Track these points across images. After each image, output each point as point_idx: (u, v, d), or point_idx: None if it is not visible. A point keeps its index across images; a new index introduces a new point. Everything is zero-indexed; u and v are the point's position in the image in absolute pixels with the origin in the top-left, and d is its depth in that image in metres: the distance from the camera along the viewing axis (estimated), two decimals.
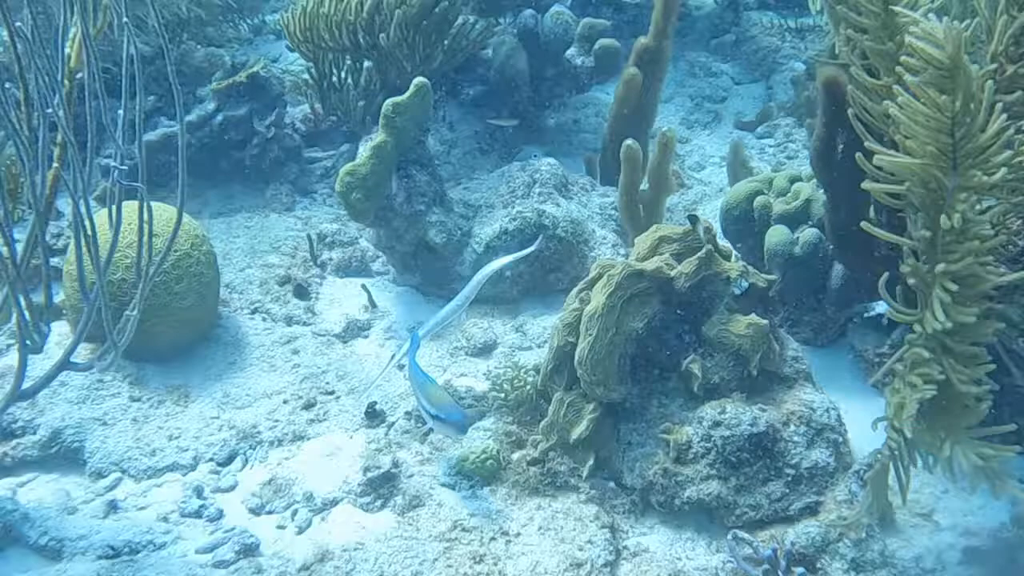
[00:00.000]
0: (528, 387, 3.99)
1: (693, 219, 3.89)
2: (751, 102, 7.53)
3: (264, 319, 4.93)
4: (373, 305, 4.99)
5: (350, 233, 5.58)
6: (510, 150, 6.44)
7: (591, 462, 3.75)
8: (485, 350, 4.72)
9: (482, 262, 4.77)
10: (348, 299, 5.10)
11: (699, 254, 3.75)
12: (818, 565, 3.34)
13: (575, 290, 3.90)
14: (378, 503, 3.75)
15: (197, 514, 3.76)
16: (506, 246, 4.89)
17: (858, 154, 3.10)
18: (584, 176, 5.67)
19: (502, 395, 4.04)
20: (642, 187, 4.82)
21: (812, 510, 3.54)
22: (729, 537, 3.44)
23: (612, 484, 3.77)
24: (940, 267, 2.88)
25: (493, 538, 3.53)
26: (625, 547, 3.56)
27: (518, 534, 3.56)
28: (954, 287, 2.89)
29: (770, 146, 6.79)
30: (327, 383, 4.48)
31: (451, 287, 4.95)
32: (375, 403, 4.22)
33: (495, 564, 3.41)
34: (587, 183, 5.50)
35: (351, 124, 5.93)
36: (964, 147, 2.83)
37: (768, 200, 4.44)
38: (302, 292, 5.05)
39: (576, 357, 3.70)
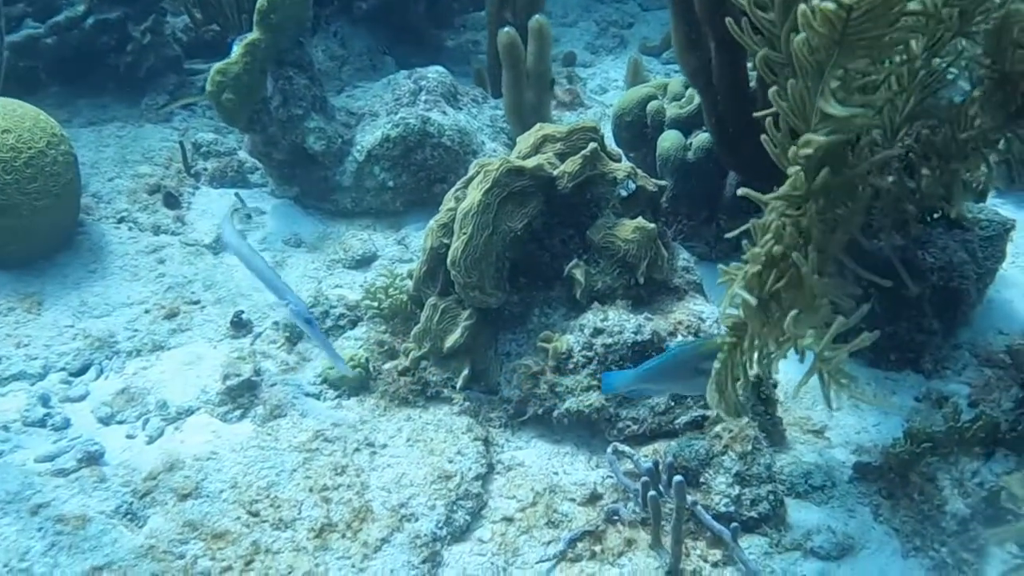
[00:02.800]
0: (403, 295, 3.79)
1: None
2: (658, 28, 7.39)
3: (130, 228, 4.66)
4: (248, 216, 4.74)
5: (228, 143, 5.32)
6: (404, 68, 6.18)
7: (466, 372, 3.57)
8: (364, 262, 4.52)
9: (363, 171, 4.58)
10: (222, 210, 4.84)
11: (583, 152, 3.56)
12: (702, 479, 3.19)
13: (452, 189, 3.69)
14: (237, 413, 3.55)
15: (41, 423, 3.51)
16: (388, 154, 4.67)
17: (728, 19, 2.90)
18: (476, 88, 5.46)
19: (375, 303, 3.85)
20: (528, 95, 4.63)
21: (698, 424, 3.37)
22: (609, 451, 3.28)
23: (489, 396, 3.60)
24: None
25: (357, 449, 3.34)
26: (499, 461, 3.39)
27: (384, 445, 3.37)
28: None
29: (675, 71, 6.62)
30: (193, 293, 4.25)
31: (332, 199, 4.74)
32: (242, 312, 3.99)
33: (357, 476, 3.22)
34: (478, 95, 5.29)
35: (230, 31, 5.65)
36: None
37: (661, 105, 4.27)
38: (172, 201, 4.78)
39: (449, 258, 3.48)
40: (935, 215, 3.96)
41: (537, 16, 4.62)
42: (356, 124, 4.84)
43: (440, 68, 5.12)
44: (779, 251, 2.85)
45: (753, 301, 2.65)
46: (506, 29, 4.64)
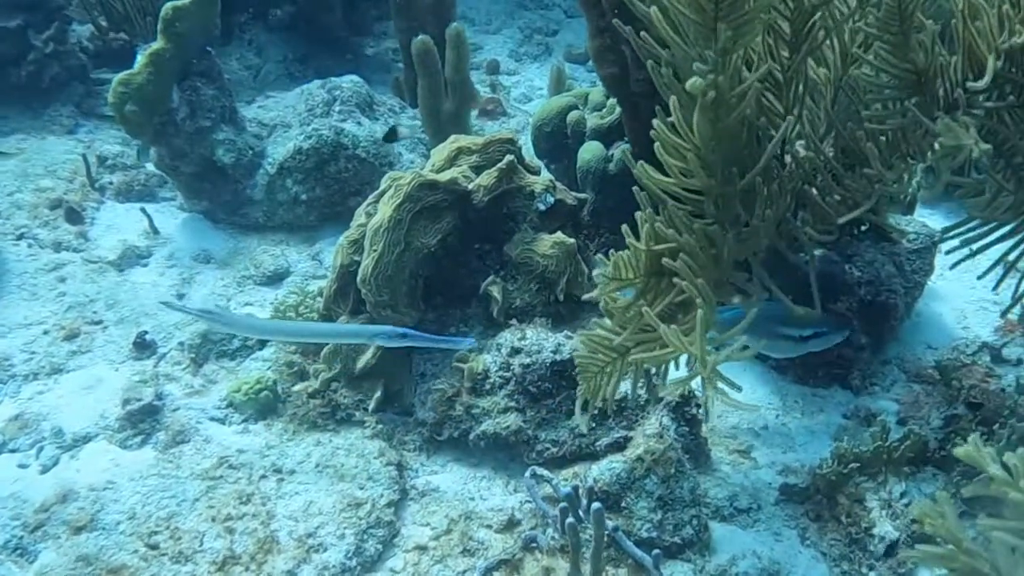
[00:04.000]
0: (315, 314, 3.72)
1: (392, 131, 3.68)
2: (584, 35, 7.34)
3: (30, 245, 4.54)
4: (155, 231, 4.64)
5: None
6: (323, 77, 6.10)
7: (379, 394, 3.50)
8: (276, 279, 4.45)
9: (275, 184, 4.50)
10: (128, 225, 4.73)
11: (499, 165, 3.51)
12: (623, 504, 3.14)
13: (364, 204, 3.63)
14: (137, 439, 3.46)
15: None
16: (301, 166, 4.59)
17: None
18: (394, 98, 5.40)
19: None
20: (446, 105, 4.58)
21: (620, 446, 3.32)
22: (527, 475, 3.22)
23: (403, 418, 3.53)
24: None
25: (264, 476, 3.26)
26: (413, 486, 3.32)
27: (292, 472, 3.29)
28: None
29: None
30: (95, 312, 4.14)
31: (243, 213, 4.66)
32: (145, 333, 3.89)
33: (263, 504, 3.14)
34: (396, 105, 5.23)
35: (138, 38, 5.54)
36: None
37: (582, 115, 4.23)
38: (74, 216, 4.66)
39: (359, 276, 3.41)
40: (863, 228, 3.95)
41: (454, 24, 4.57)
42: (268, 136, 4.76)
43: (355, 77, 5.05)
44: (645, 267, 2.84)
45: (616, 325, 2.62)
46: (421, 37, 4.59)
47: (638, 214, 2.84)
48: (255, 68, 5.95)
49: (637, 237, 2.81)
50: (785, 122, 2.80)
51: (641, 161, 2.81)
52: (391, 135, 3.71)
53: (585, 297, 3.06)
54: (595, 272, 2.96)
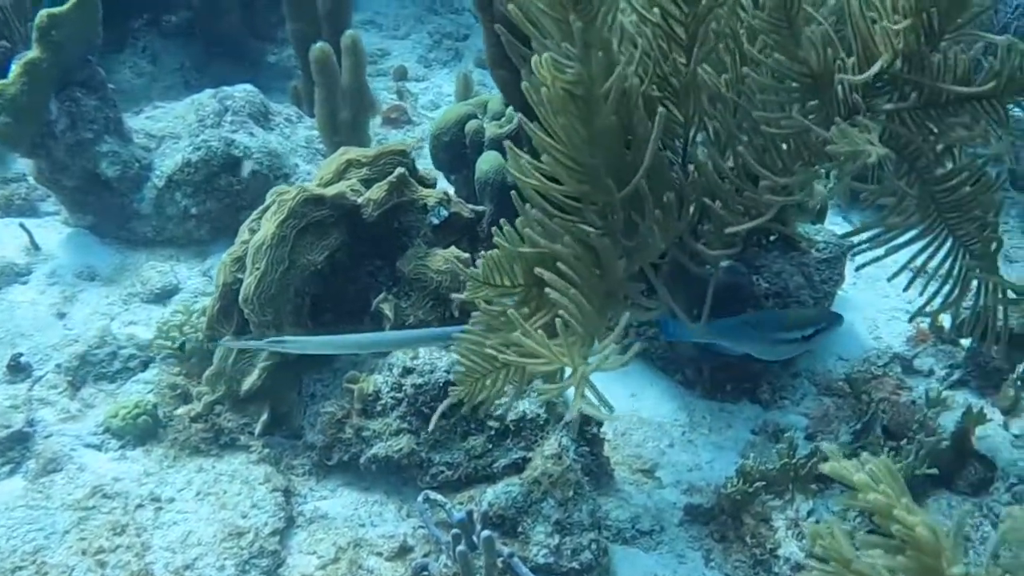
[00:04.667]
0: (200, 333, 3.64)
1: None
2: None
3: None
4: (35, 247, 4.52)
5: (16, 169, 5.07)
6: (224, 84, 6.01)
7: (265, 417, 3.43)
8: (164, 296, 4.35)
9: (164, 198, 4.42)
10: (6, 241, 4.60)
11: (390, 178, 3.46)
12: (519, 528, 3.10)
13: (248, 220, 3.56)
14: (5, 468, 3.35)
15: None
16: (190, 179, 4.51)
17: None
18: (291, 107, 5.32)
19: (169, 342, 3.68)
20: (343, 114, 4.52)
21: (518, 467, 3.28)
22: (420, 499, 3.17)
23: (292, 442, 3.47)
24: None
25: (140, 505, 3.17)
26: (301, 513, 3.26)
27: (171, 500, 3.21)
28: None
29: None
30: None
31: (130, 227, 4.56)
32: (20, 355, 3.79)
33: (139, 535, 3.05)
34: (293, 114, 5.15)
35: (17, 46, 5.40)
36: None
37: (480, 124, 4.18)
38: None
39: (241, 295, 3.34)
40: (771, 238, 3.95)
41: (349, 31, 4.51)
42: (157, 147, 4.66)
43: (248, 86, 4.96)
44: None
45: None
46: (319, 44, 4.53)
47: (518, 219, 2.82)
48: (149, 75, 5.84)
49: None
50: (656, 123, 2.75)
51: (523, 160, 2.77)
52: (241, 168, 3.67)
53: (453, 296, 3.03)
54: (468, 272, 2.92)
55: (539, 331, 2.54)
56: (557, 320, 2.56)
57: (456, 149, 4.29)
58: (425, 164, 4.41)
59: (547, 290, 2.67)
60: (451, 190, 4.27)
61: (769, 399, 3.93)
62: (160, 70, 5.96)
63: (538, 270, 2.72)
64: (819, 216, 4.50)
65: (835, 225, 4.87)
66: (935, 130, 3.19)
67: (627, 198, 2.87)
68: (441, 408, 2.89)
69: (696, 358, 3.88)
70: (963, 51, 3.10)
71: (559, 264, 2.71)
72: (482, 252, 2.90)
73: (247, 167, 4.43)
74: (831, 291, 4.15)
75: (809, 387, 4.01)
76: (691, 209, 3.28)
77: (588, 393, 2.47)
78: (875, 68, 2.98)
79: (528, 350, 2.52)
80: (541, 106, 2.63)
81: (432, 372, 3.30)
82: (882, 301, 4.54)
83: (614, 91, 2.79)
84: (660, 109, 2.70)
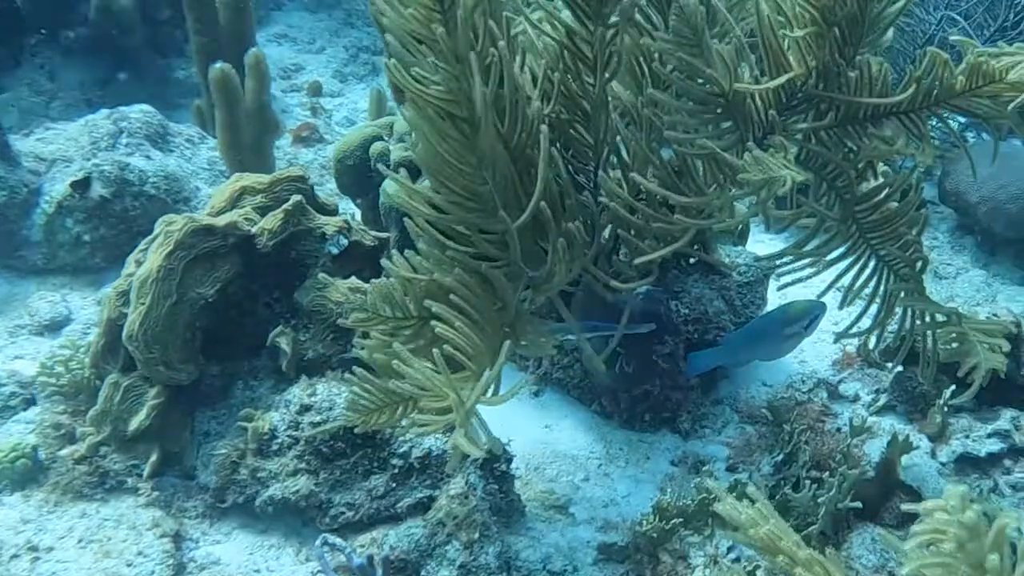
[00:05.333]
0: (85, 370, 3.54)
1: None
2: None
3: None
4: None
5: None
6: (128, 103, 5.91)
7: (155, 458, 3.34)
8: (54, 328, 4.26)
9: (54, 224, 4.31)
10: None
11: (285, 206, 3.38)
12: (422, 573, 3.03)
13: (134, 252, 3.48)
14: None
15: None
16: (82, 205, 4.41)
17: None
18: (194, 127, 5.23)
19: (53, 379, 3.57)
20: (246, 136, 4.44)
21: (424, 506, 3.22)
22: (318, 543, 3.09)
23: (184, 483, 3.38)
24: None
25: (15, 556, 3.08)
26: (192, 559, 3.18)
27: (51, 548, 3.11)
28: None
29: None
30: None
31: (19, 256, 4.46)
32: None
33: None
34: (195, 135, 5.07)
35: None
36: None
37: (386, 146, 4.12)
38: None
39: (125, 332, 3.26)
40: (691, 261, 3.91)
41: (253, 50, 4.43)
42: (46, 171, 4.56)
43: (145, 106, 4.87)
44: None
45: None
46: (218, 65, 4.45)
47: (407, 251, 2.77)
48: (48, 94, 5.73)
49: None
50: (542, 147, 2.70)
51: (409, 188, 2.71)
52: (79, 185, 3.59)
53: (340, 323, 2.96)
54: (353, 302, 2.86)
55: (429, 365, 2.49)
56: (445, 352, 2.50)
57: (361, 172, 4.23)
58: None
59: (433, 323, 2.62)
60: (359, 214, 4.21)
61: (689, 429, 3.89)
62: (60, 87, 5.85)
63: (428, 302, 2.66)
64: (740, 238, 4.47)
65: (760, 244, 4.86)
66: (854, 147, 3.19)
67: (529, 226, 2.82)
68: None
69: (612, 388, 3.83)
70: (881, 63, 3.09)
71: (452, 296, 2.66)
72: (371, 281, 2.83)
73: (95, 189, 4.33)
74: (753, 315, 4.12)
75: (731, 415, 3.97)
76: (604, 235, 3.25)
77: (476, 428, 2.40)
78: (781, 79, 2.97)
79: (419, 384, 2.47)
80: (422, 128, 2.57)
81: (331, 409, 3.24)
82: None
83: (508, 114, 2.74)
84: (543, 128, 2.65)
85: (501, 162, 2.73)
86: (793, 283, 3.36)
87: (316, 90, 6.70)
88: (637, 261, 3.12)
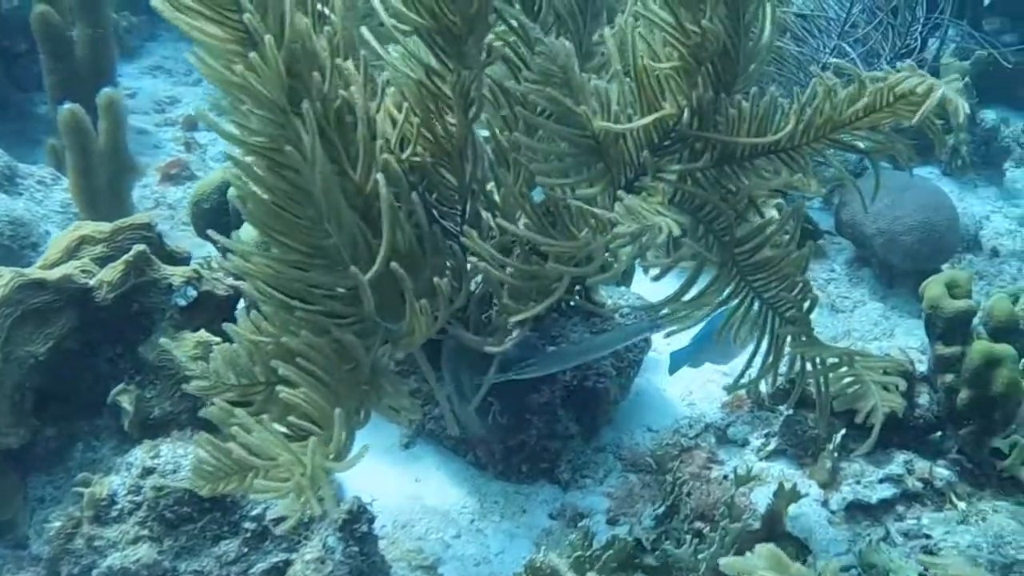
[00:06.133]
0: None
1: None
2: None
3: None
4: None
5: None
6: None
7: None
8: None
9: None
10: None
11: (126, 257, 3.28)
12: None
13: None
14: None
15: None
16: None
17: None
18: (46, 168, 5.09)
19: None
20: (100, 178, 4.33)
21: (280, 571, 3.12)
22: None
23: (16, 552, 3.27)
24: None
25: None
26: None
27: None
28: None
29: None
30: None
31: None
32: None
33: None
34: (48, 176, 4.94)
35: None
36: None
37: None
38: None
39: None
40: (571, 303, 3.85)
41: (107, 89, 4.32)
42: None
43: None
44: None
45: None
46: (67, 106, 4.33)
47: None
48: None
49: None
50: (382, 194, 2.63)
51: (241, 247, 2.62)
52: None
53: (184, 387, 2.86)
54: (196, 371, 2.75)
55: (281, 429, 2.41)
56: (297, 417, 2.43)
57: (218, 217, 4.13)
58: None
59: (279, 388, 2.53)
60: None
61: (569, 479, 3.83)
62: None
63: (275, 362, 2.58)
64: (624, 278, 4.42)
65: (645, 284, 4.80)
66: (732, 187, 3.15)
67: (385, 277, 2.74)
68: None
69: (487, 438, 3.76)
70: (758, 99, 3.06)
71: (300, 359, 2.57)
72: (214, 347, 2.74)
73: None
74: (637, 358, 4.07)
75: (615, 463, 3.93)
76: (475, 283, 3.19)
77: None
78: (648, 119, 2.92)
79: (262, 453, 2.38)
80: (249, 182, 2.48)
81: (175, 472, 3.13)
82: None
83: (361, 160, 2.67)
84: (379, 178, 2.58)
85: (346, 213, 2.65)
86: (678, 331, 3.30)
87: (191, 124, 6.57)
88: (515, 320, 3.06)
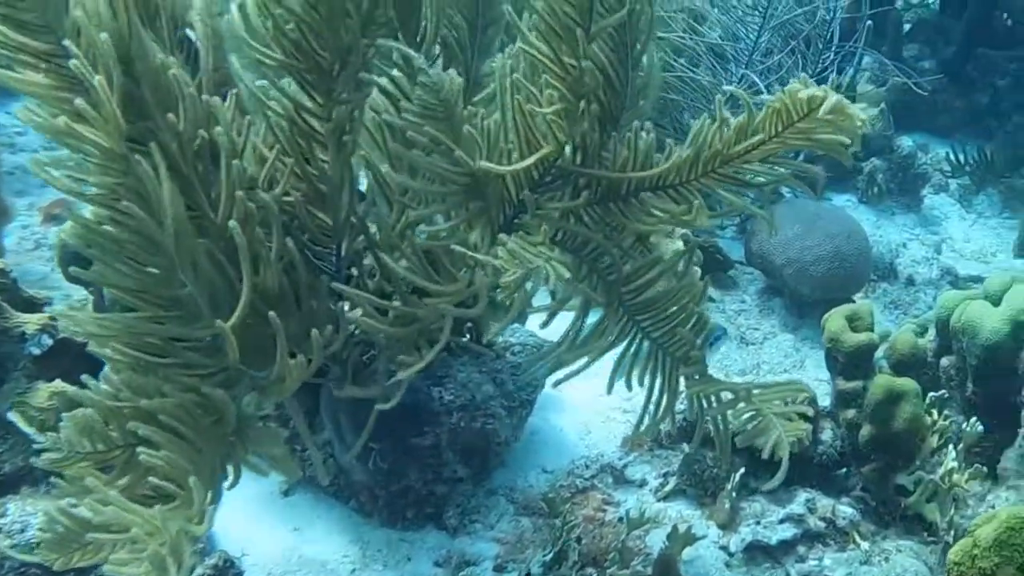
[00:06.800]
0: None
1: None
2: None
3: None
4: None
5: None
6: None
7: None
8: None
9: None
10: None
11: None
12: None
13: None
14: None
15: None
16: None
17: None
18: None
19: None
20: None
21: None
22: None
23: None
24: None
25: None
26: None
27: None
28: None
29: None
30: None
31: None
32: None
33: None
34: None
35: None
36: None
37: None
38: None
39: None
40: (460, 341, 3.79)
41: None
42: None
43: None
44: None
45: None
46: None
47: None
48: None
49: None
50: (240, 241, 2.56)
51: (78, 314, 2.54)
52: None
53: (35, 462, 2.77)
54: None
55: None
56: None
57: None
58: None
59: (139, 450, 2.45)
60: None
61: (458, 524, 3.79)
62: None
63: (131, 424, 2.50)
64: (519, 316, 4.37)
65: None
66: (617, 224, 3.11)
67: (249, 326, 2.68)
68: None
69: (369, 484, 3.69)
70: (647, 133, 3.03)
71: (161, 417, 2.49)
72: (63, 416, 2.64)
73: None
74: (529, 397, 4.02)
75: (507, 506, 3.88)
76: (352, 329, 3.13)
77: None
78: (531, 159, 2.88)
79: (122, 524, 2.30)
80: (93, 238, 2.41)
81: (23, 532, 3.03)
82: (597, 400, 4.38)
83: (223, 202, 2.61)
84: (231, 225, 2.51)
85: (203, 259, 2.58)
86: (567, 378, 3.26)
87: None
88: (399, 377, 3.01)
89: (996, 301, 3.95)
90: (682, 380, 3.35)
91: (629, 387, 3.35)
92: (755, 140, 2.93)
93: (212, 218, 2.67)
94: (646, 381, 3.37)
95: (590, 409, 4.38)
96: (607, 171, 3.05)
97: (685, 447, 4.05)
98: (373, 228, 3.17)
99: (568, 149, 3.01)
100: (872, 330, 4.00)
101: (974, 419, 3.94)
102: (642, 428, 3.42)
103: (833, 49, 6.47)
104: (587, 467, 4.07)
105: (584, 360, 3.26)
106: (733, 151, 2.98)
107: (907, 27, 8.45)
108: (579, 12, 2.82)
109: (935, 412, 3.97)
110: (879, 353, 4.11)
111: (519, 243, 2.83)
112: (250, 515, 3.56)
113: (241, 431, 2.78)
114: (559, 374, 3.27)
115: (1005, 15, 8.16)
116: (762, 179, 3.09)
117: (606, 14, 2.82)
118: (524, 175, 3.00)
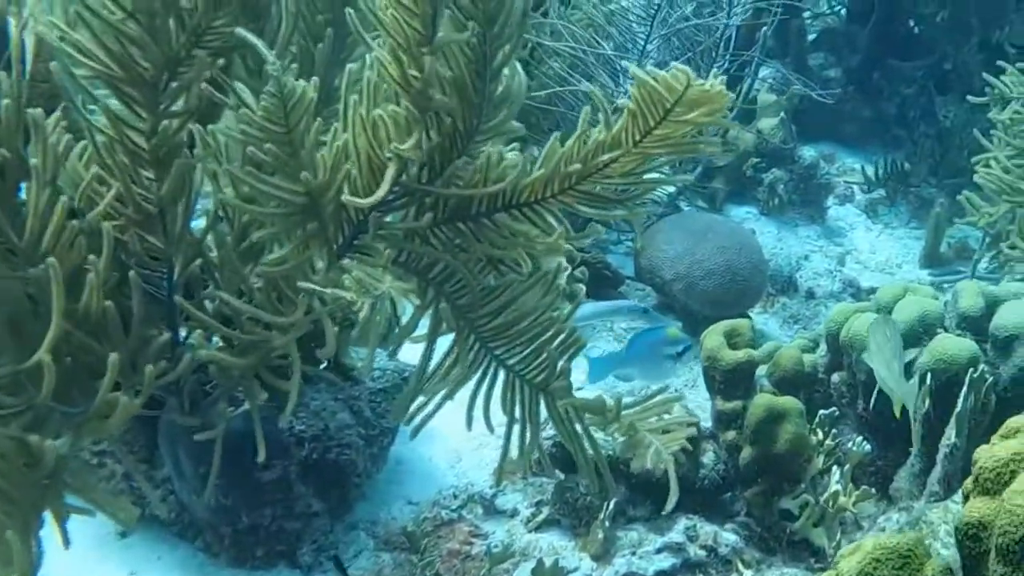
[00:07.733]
0: None
1: None
2: None
3: None
4: None
5: None
6: None
7: None
8: None
9: None
10: None
11: None
12: None
13: None
14: None
15: None
16: None
17: None
18: None
19: None
20: None
21: None
22: None
23: None
24: None
25: None
26: None
27: None
28: None
29: None
30: None
31: None
32: None
33: None
34: None
35: None
36: None
37: None
38: None
39: None
40: (322, 366, 3.69)
41: None
42: None
43: None
44: None
45: None
46: None
47: None
48: None
49: None
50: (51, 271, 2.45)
51: None
52: None
53: None
54: None
55: None
56: None
57: None
58: None
59: None
60: None
61: (312, 562, 3.67)
62: None
63: None
64: (384, 338, 4.27)
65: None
66: (469, 246, 3.03)
67: (65, 357, 2.56)
68: None
69: (214, 522, 3.57)
70: (511, 150, 2.96)
71: None
72: None
73: None
74: (391, 426, 3.91)
75: (367, 541, 3.78)
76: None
77: None
78: (386, 185, 2.78)
79: None
80: None
81: None
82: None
83: (30, 228, 2.49)
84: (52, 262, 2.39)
85: (3, 289, 2.47)
86: (423, 424, 3.17)
87: None
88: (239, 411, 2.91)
89: (887, 313, 3.89)
90: (542, 406, 3.25)
91: (489, 425, 3.24)
92: (616, 154, 2.84)
93: (16, 244, 2.54)
94: (506, 412, 3.27)
95: (461, 437, 4.25)
96: (456, 189, 2.95)
97: (559, 474, 3.95)
98: (214, 252, 3.05)
99: (412, 166, 2.91)
100: (753, 347, 3.93)
101: (860, 438, 3.87)
102: (507, 462, 3.31)
103: (727, 58, 6.41)
104: (455, 497, 3.96)
105: (440, 396, 3.15)
106: (589, 166, 2.89)
107: (813, 36, 8.45)
108: (423, 23, 2.72)
109: (822, 431, 3.89)
110: (762, 371, 4.03)
111: (363, 269, 2.74)
112: (80, 560, 3.41)
113: (56, 475, 2.65)
114: (417, 420, 3.16)
115: (911, 22, 8.17)
116: (635, 191, 3.00)
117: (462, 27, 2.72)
118: (364, 194, 2.90)
